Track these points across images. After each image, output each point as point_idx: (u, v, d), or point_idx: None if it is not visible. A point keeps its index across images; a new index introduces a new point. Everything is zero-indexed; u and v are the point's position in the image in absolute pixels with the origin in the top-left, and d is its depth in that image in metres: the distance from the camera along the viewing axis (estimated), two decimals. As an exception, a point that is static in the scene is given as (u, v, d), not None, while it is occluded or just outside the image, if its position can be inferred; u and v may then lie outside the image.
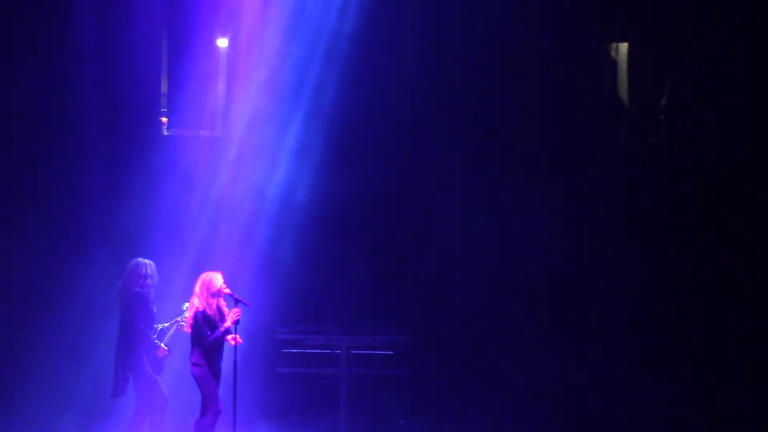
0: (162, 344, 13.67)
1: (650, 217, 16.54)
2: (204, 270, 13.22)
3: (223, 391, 13.12)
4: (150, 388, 13.66)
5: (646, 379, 16.12)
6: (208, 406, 12.89)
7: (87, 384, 15.42)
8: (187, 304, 13.30)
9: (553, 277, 16.57)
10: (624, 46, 17.27)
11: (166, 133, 17.12)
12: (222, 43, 16.96)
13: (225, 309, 13.02)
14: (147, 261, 13.89)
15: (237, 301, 12.99)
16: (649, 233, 16.53)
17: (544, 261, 16.58)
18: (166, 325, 13.85)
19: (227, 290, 13.01)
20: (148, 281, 13.77)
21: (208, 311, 12.89)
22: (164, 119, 17.12)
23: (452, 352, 16.61)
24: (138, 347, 13.61)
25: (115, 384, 13.70)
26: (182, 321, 13.54)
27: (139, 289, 13.69)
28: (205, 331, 12.84)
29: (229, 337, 12.97)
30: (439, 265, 16.75)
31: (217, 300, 12.98)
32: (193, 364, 12.91)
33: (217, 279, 13.01)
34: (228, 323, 12.91)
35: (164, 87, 17.01)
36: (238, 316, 12.89)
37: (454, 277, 16.69)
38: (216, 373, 12.95)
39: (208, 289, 12.96)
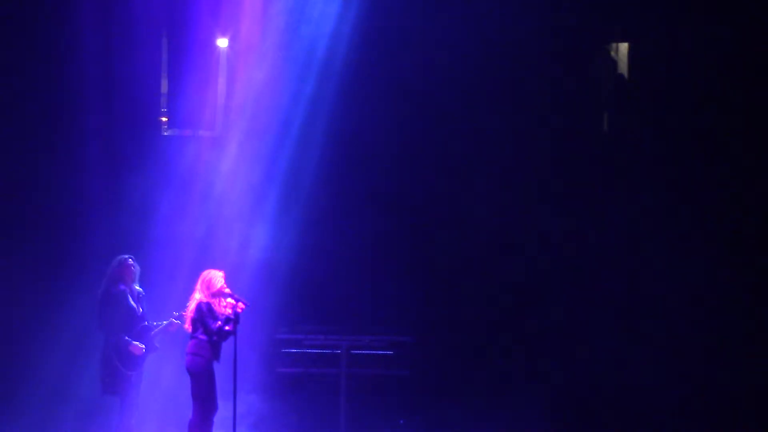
0: (136, 342, 13.71)
1: (650, 216, 16.55)
2: (204, 269, 13.22)
3: (223, 391, 13.12)
4: (126, 386, 13.73)
5: (649, 382, 16.17)
6: (200, 403, 12.81)
7: (86, 384, 15.40)
8: (176, 314, 13.61)
9: (554, 277, 16.58)
10: (624, 46, 17.28)
11: (166, 133, 17.12)
12: (222, 43, 16.96)
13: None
14: (122, 258, 13.98)
15: (237, 302, 12.97)
16: (650, 232, 16.53)
17: (544, 260, 16.59)
18: (156, 323, 13.91)
19: (227, 291, 13.00)
20: (124, 279, 13.86)
21: (213, 305, 12.90)
22: (164, 119, 17.12)
23: (452, 352, 16.61)
24: (107, 346, 13.72)
25: (101, 382, 13.87)
26: (176, 319, 13.62)
27: (109, 289, 13.81)
28: (210, 320, 12.81)
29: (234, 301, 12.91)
30: (439, 265, 16.76)
31: (219, 300, 12.96)
32: (192, 354, 12.84)
33: (218, 278, 12.99)
34: (228, 309, 12.86)
35: (164, 87, 17.01)
36: (240, 309, 12.87)
37: (455, 277, 16.70)
38: (212, 369, 12.93)
39: (208, 287, 12.96)
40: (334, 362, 16.12)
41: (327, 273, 16.50)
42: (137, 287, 14.05)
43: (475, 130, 16.83)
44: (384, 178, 16.76)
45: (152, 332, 13.91)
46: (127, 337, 13.73)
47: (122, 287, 13.86)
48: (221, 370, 13.08)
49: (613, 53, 17.33)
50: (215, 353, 12.90)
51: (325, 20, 16.59)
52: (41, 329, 15.99)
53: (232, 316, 12.84)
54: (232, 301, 12.91)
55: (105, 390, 13.89)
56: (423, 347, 16.44)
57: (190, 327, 12.95)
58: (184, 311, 13.12)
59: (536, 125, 16.82)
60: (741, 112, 16.46)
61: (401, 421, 16.41)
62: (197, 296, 12.95)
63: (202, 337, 12.86)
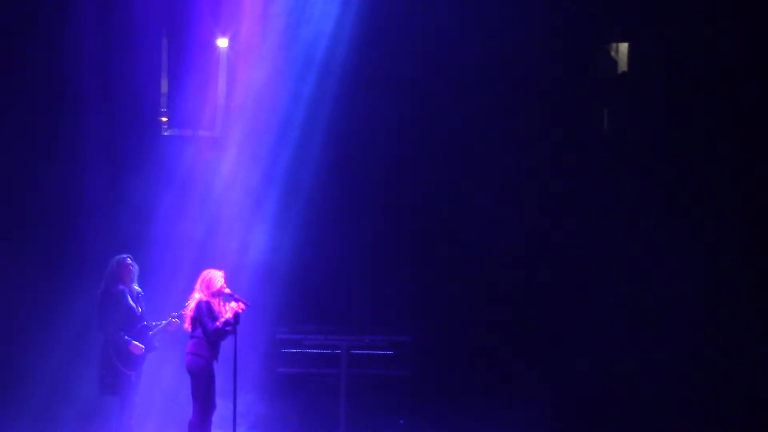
0: (135, 341, 13.73)
1: (650, 216, 16.55)
2: (204, 268, 13.22)
3: (223, 391, 13.12)
4: (126, 386, 13.77)
5: (649, 382, 16.18)
6: (200, 402, 12.81)
7: (86, 384, 15.39)
8: (175, 313, 13.65)
9: (554, 277, 16.57)
10: (624, 46, 17.29)
11: (166, 133, 17.13)
12: (222, 43, 16.97)
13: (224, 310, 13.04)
14: (120, 257, 14.03)
15: (237, 302, 12.97)
16: (650, 232, 16.53)
17: (545, 260, 16.59)
18: (155, 322, 13.93)
19: (227, 290, 13.00)
20: (123, 278, 13.89)
21: (212, 305, 12.90)
22: (164, 119, 17.13)
23: (452, 352, 16.61)
24: (107, 345, 13.77)
25: (100, 382, 13.92)
26: (175, 318, 13.63)
27: (108, 289, 13.87)
28: (207, 320, 12.81)
29: (236, 305, 12.91)
30: (439, 265, 16.75)
31: (219, 300, 12.97)
32: (192, 354, 12.85)
33: (218, 278, 12.99)
34: (229, 314, 12.87)
35: (164, 87, 17.01)
36: (241, 309, 12.87)
37: (455, 278, 16.70)
38: (212, 369, 12.92)
39: (208, 287, 12.96)
40: (334, 362, 16.10)
41: (327, 273, 16.50)
42: (136, 287, 14.09)
43: (475, 130, 16.83)
44: (384, 178, 16.75)
45: (151, 332, 13.93)
46: (126, 337, 13.76)
47: (121, 287, 13.90)
48: (221, 370, 13.09)
49: (613, 53, 17.33)
50: (214, 353, 12.91)
51: (325, 20, 16.58)
52: (41, 329, 15.99)
53: (231, 320, 12.84)
54: (234, 304, 12.91)
55: (105, 390, 13.93)
56: (423, 347, 16.43)
57: (190, 326, 12.96)
58: (184, 310, 13.13)
59: (536, 125, 16.81)
60: (741, 112, 16.46)
61: (401, 421, 16.41)
62: (197, 296, 12.95)
63: (202, 336, 12.86)
